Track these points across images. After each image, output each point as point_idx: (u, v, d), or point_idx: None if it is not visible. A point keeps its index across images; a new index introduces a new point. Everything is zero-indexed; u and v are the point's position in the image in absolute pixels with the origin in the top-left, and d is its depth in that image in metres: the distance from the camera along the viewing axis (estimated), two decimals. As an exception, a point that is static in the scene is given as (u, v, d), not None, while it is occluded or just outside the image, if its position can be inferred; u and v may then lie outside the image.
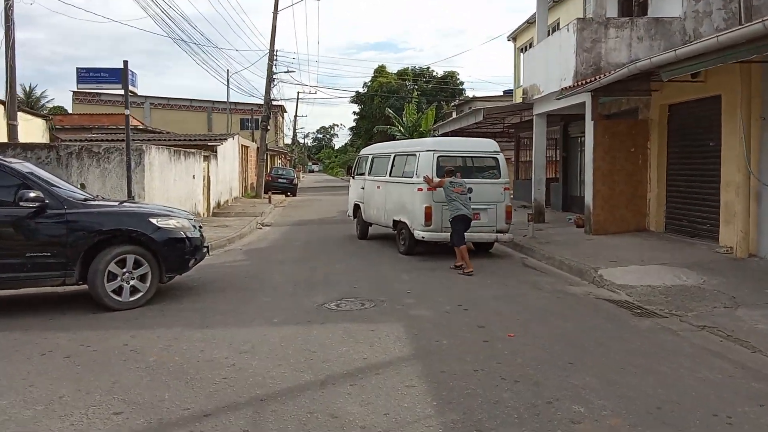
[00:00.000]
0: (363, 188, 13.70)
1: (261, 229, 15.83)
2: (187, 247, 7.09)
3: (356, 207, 14.20)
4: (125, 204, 7.30)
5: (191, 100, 51.74)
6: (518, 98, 23.02)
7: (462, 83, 48.37)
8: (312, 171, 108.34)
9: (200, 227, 7.78)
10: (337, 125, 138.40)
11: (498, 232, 10.75)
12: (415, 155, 11.09)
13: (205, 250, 7.63)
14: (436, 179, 10.32)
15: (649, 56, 9.52)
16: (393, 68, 49.43)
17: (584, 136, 17.71)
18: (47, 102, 48.90)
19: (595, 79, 11.15)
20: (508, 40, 23.78)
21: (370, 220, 13.37)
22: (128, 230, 6.73)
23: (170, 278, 7.09)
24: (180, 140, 22.35)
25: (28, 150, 10.84)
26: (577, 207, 17.24)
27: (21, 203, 6.22)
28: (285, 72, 30.88)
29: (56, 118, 32.14)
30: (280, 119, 58.23)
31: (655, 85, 11.28)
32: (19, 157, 10.80)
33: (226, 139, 24.20)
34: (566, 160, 18.53)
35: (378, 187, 12.75)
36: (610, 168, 11.80)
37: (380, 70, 48.23)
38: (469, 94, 48.38)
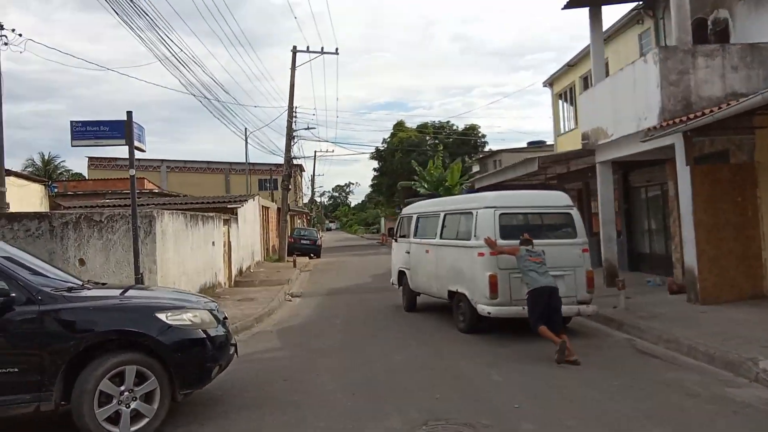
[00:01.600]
0: (408, 252, 11.81)
1: (290, 300, 13.84)
2: (209, 350, 5.12)
3: (401, 274, 12.26)
4: (130, 291, 5.39)
5: (208, 162, 50.95)
6: (561, 147, 21.27)
7: (484, 136, 46.97)
8: (329, 229, 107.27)
9: (225, 319, 5.83)
10: (353, 183, 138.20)
11: (579, 303, 8.74)
12: (471, 213, 9.29)
13: (232, 350, 5.64)
14: (501, 242, 8.48)
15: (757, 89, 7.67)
16: (409, 124, 48.09)
17: (650, 185, 15.91)
18: (64, 170, 48.33)
19: (690, 118, 9.30)
20: (544, 86, 22.24)
21: (419, 289, 11.41)
22: (127, 332, 4.80)
23: (187, 395, 5.10)
24: (197, 203, 20.74)
25: (15, 221, 9.08)
26: (647, 266, 15.13)
27: (-26, 300, 4.35)
28: (305, 129, 29.56)
29: (70, 184, 31.02)
30: (299, 178, 57.16)
31: (759, 120, 9.41)
32: (3, 230, 9.11)
33: (246, 200, 22.57)
34: (628, 212, 16.50)
35: (427, 251, 10.86)
36: (714, 222, 9.74)
37: (399, 126, 47.09)
38: (489, 147, 47.04)
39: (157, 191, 28.58)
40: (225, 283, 15.95)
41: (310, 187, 65.28)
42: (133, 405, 4.74)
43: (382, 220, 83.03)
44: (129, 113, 8.10)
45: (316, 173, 68.41)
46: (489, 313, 8.52)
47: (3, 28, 9.75)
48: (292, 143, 28.14)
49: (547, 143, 45.82)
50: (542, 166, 13.72)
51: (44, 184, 13.56)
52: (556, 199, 9.67)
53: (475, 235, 8.89)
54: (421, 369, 6.79)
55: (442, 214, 10.39)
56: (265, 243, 28.29)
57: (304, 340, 8.91)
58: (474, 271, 8.91)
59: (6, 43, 9.80)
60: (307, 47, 27.59)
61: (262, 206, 28.09)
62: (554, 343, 7.09)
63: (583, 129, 13.53)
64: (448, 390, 5.85)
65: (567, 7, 13.44)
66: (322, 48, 27.67)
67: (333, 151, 79.52)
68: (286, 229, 28.52)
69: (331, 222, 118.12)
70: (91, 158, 45.22)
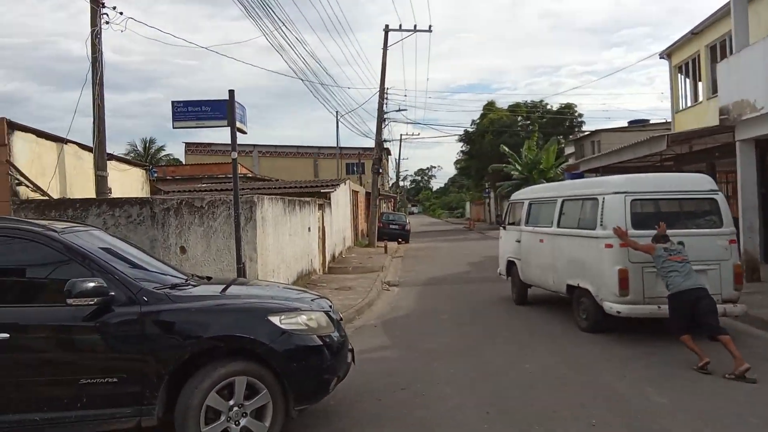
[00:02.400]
0: (519, 241, 10.77)
1: (389, 290, 13.14)
2: (326, 359, 4.40)
3: (510, 264, 11.25)
4: (232, 288, 4.76)
5: (297, 146, 51.46)
6: (679, 125, 19.20)
7: (581, 115, 44.20)
8: (412, 213, 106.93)
9: (340, 320, 5.10)
10: (435, 167, 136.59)
11: (724, 302, 7.42)
12: (596, 199, 8.22)
13: (350, 357, 4.91)
14: (633, 233, 7.50)
15: None
16: (499, 104, 45.94)
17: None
18: (164, 156, 50.41)
19: None
20: (661, 58, 20.11)
21: (531, 281, 10.37)
22: (238, 338, 4.17)
23: (301, 410, 4.42)
24: (291, 188, 20.52)
25: (116, 207, 8.84)
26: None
27: (71, 300, 3.84)
28: (396, 111, 28.65)
29: (168, 169, 32.01)
30: (385, 162, 56.70)
31: None
32: (104, 216, 8.92)
33: (338, 184, 22.13)
34: (765, 198, 14.47)
35: (541, 240, 9.81)
36: None
37: (490, 106, 45.21)
38: (585, 128, 44.31)
39: (251, 176, 28.84)
40: (319, 270, 15.53)
41: (395, 170, 64.67)
42: (243, 422, 4.12)
43: (467, 205, 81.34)
44: (231, 92, 7.55)
45: (401, 157, 67.67)
46: (618, 312, 7.50)
47: (104, 6, 9.48)
48: (383, 126, 27.44)
49: (651, 122, 42.66)
50: (672, 144, 12.11)
51: (145, 169, 13.54)
52: (698, 183, 8.32)
53: (601, 224, 7.90)
54: (559, 383, 5.79)
55: (559, 200, 9.43)
56: (355, 228, 27.93)
57: (413, 339, 8.12)
58: (600, 265, 7.87)
59: (107, 22, 9.54)
60: (400, 25, 26.68)
61: (352, 190, 27.70)
62: (699, 358, 6.02)
63: (722, 102, 11.79)
64: (604, 414, 4.84)
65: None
66: (415, 26, 26.65)
67: (419, 134, 78.28)
68: (377, 213, 27.97)
69: (413, 206, 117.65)
70: (188, 144, 46.82)
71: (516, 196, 11.89)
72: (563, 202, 9.32)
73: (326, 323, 4.58)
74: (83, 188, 10.35)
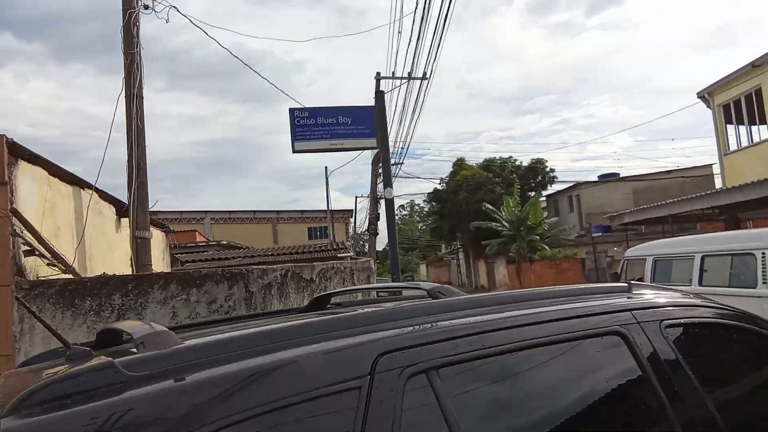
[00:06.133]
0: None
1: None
2: None
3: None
4: None
5: (254, 211, 47.77)
6: (731, 168, 17.63)
7: (553, 170, 43.32)
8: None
9: None
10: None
11: None
12: (752, 254, 7.68)
13: None
14: None
15: None
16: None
17: None
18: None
19: None
20: (699, 97, 18.75)
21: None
22: None
23: None
24: (298, 253, 17.09)
25: (191, 286, 5.13)
26: None
27: None
28: (393, 164, 26.02)
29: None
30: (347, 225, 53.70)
31: None
32: (174, 302, 5.37)
33: (346, 247, 18.95)
34: None
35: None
36: None
37: (460, 164, 43.63)
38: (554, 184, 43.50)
39: (225, 243, 25.06)
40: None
41: (352, 231, 61.69)
42: None
43: (422, 267, 78.09)
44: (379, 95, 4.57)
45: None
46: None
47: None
48: (377, 180, 24.72)
49: (621, 175, 42.38)
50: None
51: (165, 231, 9.96)
52: None
53: (764, 282, 7.36)
54: None
55: (698, 256, 8.89)
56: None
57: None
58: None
59: (147, 6, 6.45)
60: (392, 73, 24.49)
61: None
62: None
63: None
64: None
65: None
66: (410, 73, 24.54)
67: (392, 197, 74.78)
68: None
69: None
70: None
71: (633, 252, 11.33)
72: (703, 257, 8.79)
73: None
74: (104, 257, 6.81)
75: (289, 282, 6.04)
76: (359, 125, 5.27)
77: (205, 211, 45.29)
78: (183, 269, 8.13)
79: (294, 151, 5.18)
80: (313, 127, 5.15)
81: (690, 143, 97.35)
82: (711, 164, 37.44)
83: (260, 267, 5.70)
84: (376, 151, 24.68)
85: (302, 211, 46.98)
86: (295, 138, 5.08)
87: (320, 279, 6.24)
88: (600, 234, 25.21)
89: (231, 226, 45.97)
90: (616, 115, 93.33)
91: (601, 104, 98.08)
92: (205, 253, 22.47)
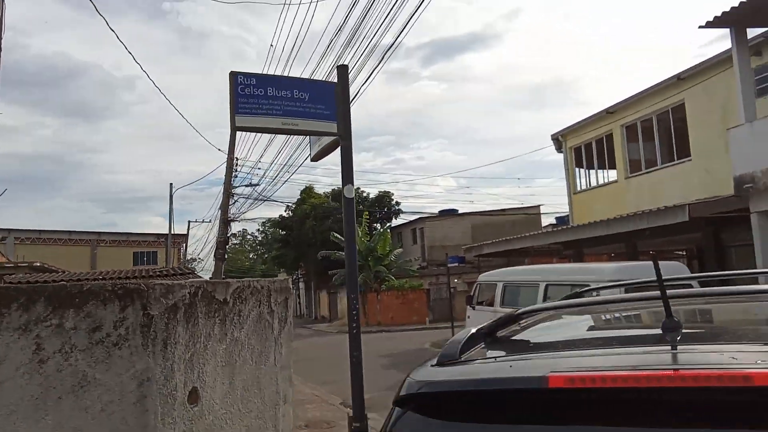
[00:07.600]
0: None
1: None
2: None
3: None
4: None
5: (69, 232, 41.85)
6: (579, 206, 18.90)
7: (398, 203, 44.23)
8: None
9: None
10: (195, 259, 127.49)
11: None
12: (588, 286, 7.58)
13: None
14: None
15: None
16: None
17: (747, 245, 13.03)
18: None
19: None
20: (552, 140, 20.00)
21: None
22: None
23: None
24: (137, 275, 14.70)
25: (67, 307, 3.53)
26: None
27: None
28: (248, 185, 23.91)
29: None
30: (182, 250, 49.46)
31: None
32: (38, 332, 3.60)
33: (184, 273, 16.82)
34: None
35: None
36: None
37: (308, 192, 42.61)
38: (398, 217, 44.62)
39: (38, 265, 21.16)
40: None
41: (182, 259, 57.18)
42: None
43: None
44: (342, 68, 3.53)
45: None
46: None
47: None
48: (230, 201, 22.79)
49: (459, 212, 44.56)
50: (694, 216, 10.76)
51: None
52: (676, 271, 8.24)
53: None
54: None
55: (542, 284, 9.57)
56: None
57: None
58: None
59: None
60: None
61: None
62: None
63: (737, 172, 10.94)
64: None
65: (708, 26, 11.24)
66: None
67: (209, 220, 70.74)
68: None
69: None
70: None
71: (486, 277, 12.03)
72: (547, 286, 9.38)
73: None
74: None
75: (199, 303, 4.48)
76: (318, 104, 4.07)
77: (8, 229, 38.59)
78: None
79: (234, 128, 3.82)
80: (261, 99, 3.89)
81: (502, 189, 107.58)
82: (539, 205, 41.21)
83: (162, 283, 4.11)
84: (230, 174, 22.86)
85: (127, 234, 42.26)
86: (236, 110, 3.76)
87: (234, 301, 4.76)
88: (456, 264, 26.03)
89: (40, 247, 39.78)
90: (443, 159, 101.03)
91: (430, 148, 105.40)
92: (13, 276, 18.64)
